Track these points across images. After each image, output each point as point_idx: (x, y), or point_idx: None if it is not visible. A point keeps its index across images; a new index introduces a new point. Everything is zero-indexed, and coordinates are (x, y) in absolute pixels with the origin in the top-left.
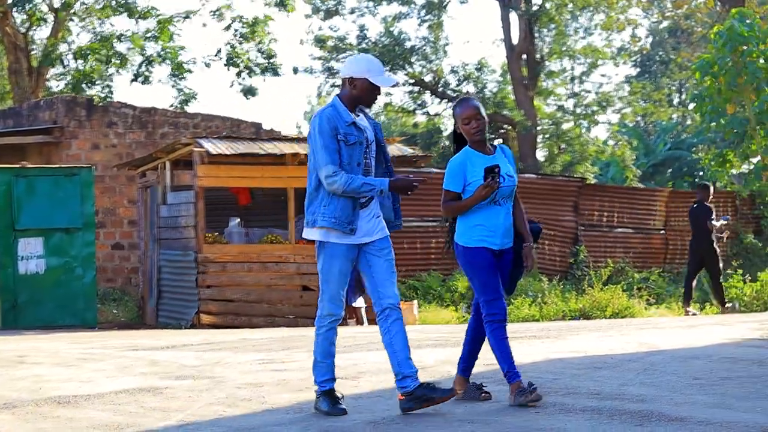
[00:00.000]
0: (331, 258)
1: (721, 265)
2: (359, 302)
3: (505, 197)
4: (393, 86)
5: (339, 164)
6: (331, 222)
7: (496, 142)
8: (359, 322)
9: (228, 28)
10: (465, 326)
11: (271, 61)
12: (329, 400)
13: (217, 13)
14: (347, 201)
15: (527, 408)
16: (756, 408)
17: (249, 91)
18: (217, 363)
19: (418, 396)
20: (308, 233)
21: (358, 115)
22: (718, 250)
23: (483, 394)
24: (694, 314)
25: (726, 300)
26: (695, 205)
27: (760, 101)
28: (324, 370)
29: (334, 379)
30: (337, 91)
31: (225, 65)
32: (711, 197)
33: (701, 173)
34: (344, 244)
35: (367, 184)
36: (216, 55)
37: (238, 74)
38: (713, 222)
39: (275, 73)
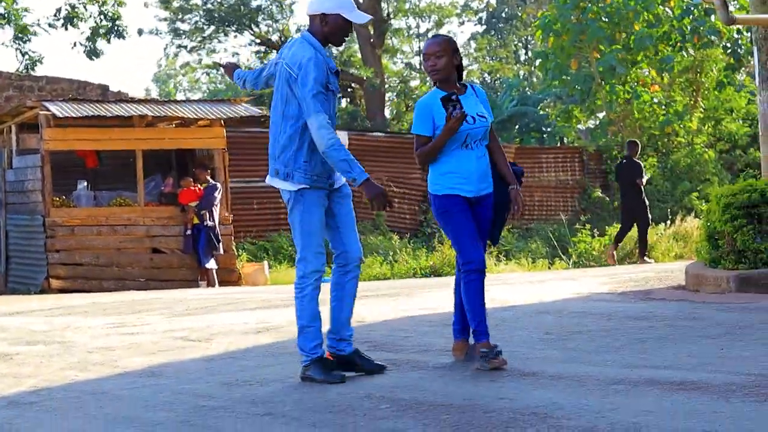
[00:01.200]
0: (311, 207)
1: (650, 218)
2: (211, 264)
3: (477, 140)
4: (365, 23)
5: None
6: (312, 180)
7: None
8: (210, 284)
9: None
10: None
11: (117, 23)
12: (321, 366)
13: None
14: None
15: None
16: (606, 361)
17: (93, 53)
18: (67, 327)
19: (349, 361)
20: (280, 184)
21: None
22: (647, 204)
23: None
24: (649, 262)
25: (646, 254)
26: (624, 161)
27: (604, 59)
28: (312, 335)
29: (322, 343)
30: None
31: (63, 26)
32: (638, 153)
33: (548, 129)
34: (322, 190)
35: (345, 162)
36: (55, 16)
37: (88, 39)
38: (644, 178)
39: (120, 36)
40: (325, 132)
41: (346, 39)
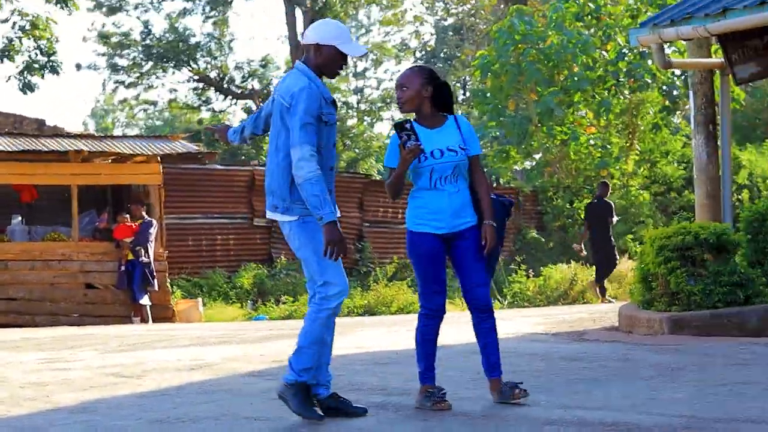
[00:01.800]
0: (316, 232)
1: (618, 260)
2: (145, 300)
3: (447, 175)
4: (362, 56)
5: (317, 146)
6: (308, 210)
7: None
8: (144, 320)
9: (6, 21)
10: (249, 323)
11: (52, 58)
12: (303, 397)
13: None
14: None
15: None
16: (539, 402)
17: (27, 87)
18: None
19: (328, 406)
20: (280, 218)
21: None
22: (614, 244)
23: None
24: (611, 301)
25: (607, 296)
26: (596, 201)
27: (542, 101)
28: (308, 359)
29: (314, 375)
30: (122, 90)
31: None
32: (608, 193)
33: (484, 169)
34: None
35: (317, 198)
36: None
37: (21, 72)
38: (614, 218)
39: (55, 72)
40: (305, 164)
41: (340, 72)
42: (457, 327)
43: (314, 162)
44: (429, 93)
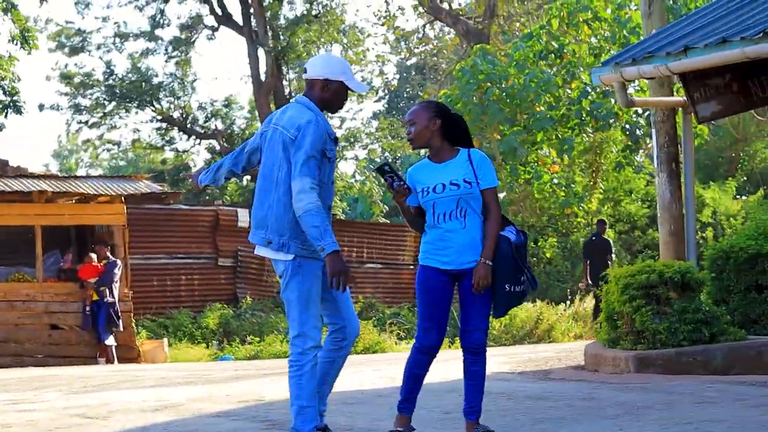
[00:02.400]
0: (310, 277)
1: None
2: (110, 340)
3: (451, 211)
4: (365, 93)
5: (319, 182)
6: (309, 250)
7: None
8: (109, 361)
9: None
10: (215, 363)
11: (14, 98)
12: None
13: None
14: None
15: None
16: None
17: None
18: None
19: None
20: (274, 255)
21: None
22: None
23: None
24: None
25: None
26: (594, 238)
27: (506, 141)
28: (311, 416)
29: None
30: (86, 130)
31: None
32: (605, 231)
33: None
34: (318, 261)
35: (318, 229)
36: None
37: None
38: (613, 255)
39: (18, 111)
40: (305, 195)
41: (342, 108)
42: (433, 365)
43: (315, 194)
44: (437, 127)
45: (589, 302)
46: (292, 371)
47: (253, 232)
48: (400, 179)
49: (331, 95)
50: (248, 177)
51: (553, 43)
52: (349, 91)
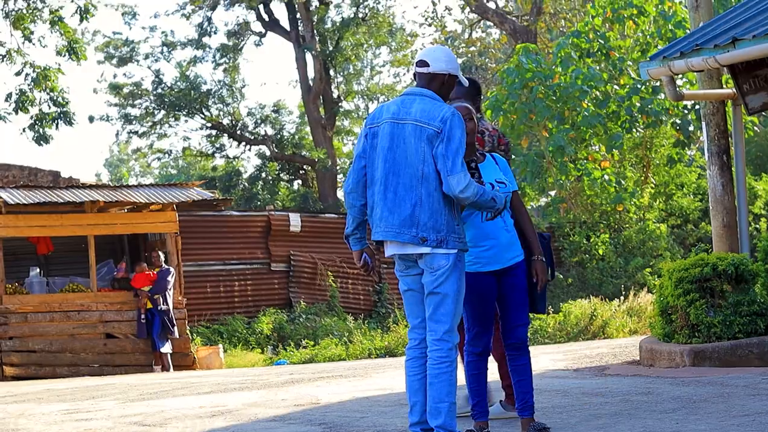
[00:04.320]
0: (464, 275)
1: None
2: (166, 348)
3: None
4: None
5: None
6: (464, 244)
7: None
8: (165, 368)
9: (19, 73)
10: (270, 368)
11: (64, 110)
12: None
13: (7, 56)
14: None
15: None
16: None
17: (42, 139)
18: (21, 415)
19: None
20: (435, 250)
21: None
22: None
23: None
24: None
25: None
26: None
27: (554, 138)
28: (455, 409)
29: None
30: (136, 139)
31: (14, 110)
32: None
33: None
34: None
35: (493, 197)
36: (6, 101)
37: (32, 126)
38: None
39: (69, 123)
40: (472, 188)
41: None
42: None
43: (471, 182)
44: (477, 127)
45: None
46: (443, 367)
47: (396, 230)
48: (479, 176)
49: (448, 90)
50: (299, 181)
51: (600, 40)
52: None
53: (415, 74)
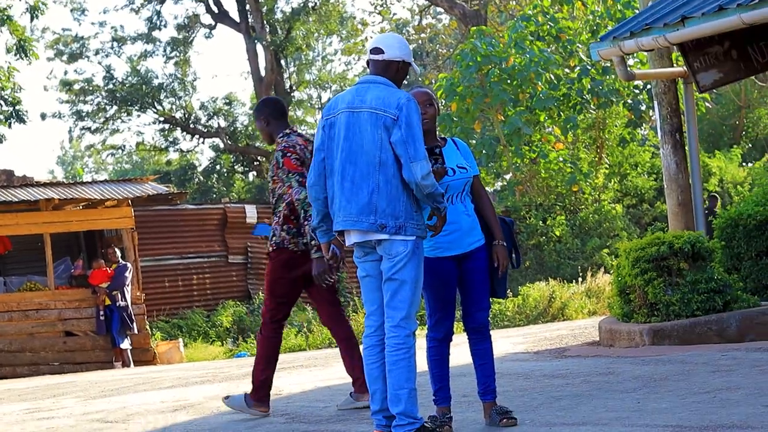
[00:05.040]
0: (421, 262)
1: None
2: (125, 344)
3: (458, 192)
4: (417, 75)
5: None
6: (422, 230)
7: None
8: (125, 364)
9: None
10: (231, 360)
11: (17, 108)
12: None
13: None
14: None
15: None
16: (524, 421)
17: None
18: None
19: None
20: (393, 237)
21: None
22: None
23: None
24: None
25: None
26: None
27: (509, 121)
28: (416, 399)
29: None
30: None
31: None
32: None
33: None
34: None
35: (442, 194)
36: None
37: None
38: None
39: (21, 121)
40: (429, 178)
41: None
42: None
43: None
44: (437, 112)
45: (590, 279)
46: (400, 354)
47: (354, 219)
48: (444, 162)
49: (402, 77)
50: (254, 173)
51: (550, 23)
52: None
53: (368, 62)
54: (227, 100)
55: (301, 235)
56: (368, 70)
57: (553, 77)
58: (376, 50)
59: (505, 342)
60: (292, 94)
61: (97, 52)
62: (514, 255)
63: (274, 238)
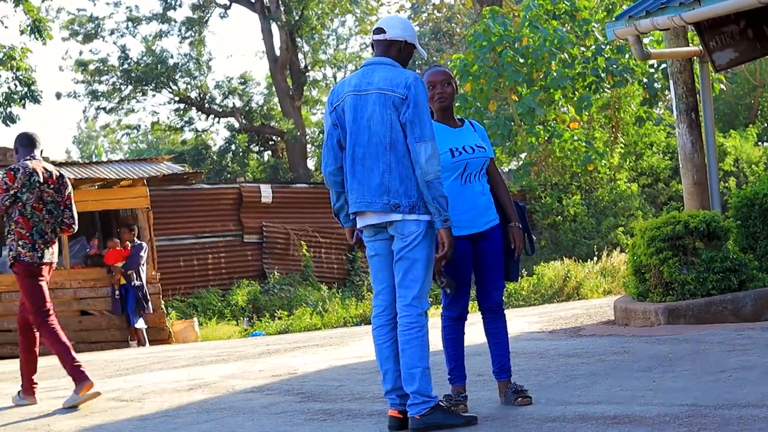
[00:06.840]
0: (434, 241)
1: None
2: (140, 323)
3: (476, 171)
4: (422, 59)
5: None
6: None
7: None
8: (141, 344)
9: None
10: (246, 339)
11: (31, 88)
12: (443, 410)
13: None
14: None
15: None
16: (539, 400)
17: (9, 119)
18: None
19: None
20: (407, 216)
21: None
22: None
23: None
24: None
25: None
26: None
27: (523, 102)
28: (430, 377)
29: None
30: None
31: None
32: None
33: None
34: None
35: (444, 199)
36: None
37: (1, 104)
38: None
39: (36, 101)
40: (436, 161)
41: None
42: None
43: (438, 163)
44: (455, 92)
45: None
46: (413, 333)
47: (369, 200)
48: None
49: (406, 57)
50: (269, 152)
51: (565, 1)
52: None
53: (372, 43)
54: (242, 80)
55: (35, 249)
56: (373, 51)
57: (567, 56)
58: (378, 30)
59: (520, 321)
60: (307, 74)
61: (112, 32)
62: (527, 240)
63: (11, 253)
